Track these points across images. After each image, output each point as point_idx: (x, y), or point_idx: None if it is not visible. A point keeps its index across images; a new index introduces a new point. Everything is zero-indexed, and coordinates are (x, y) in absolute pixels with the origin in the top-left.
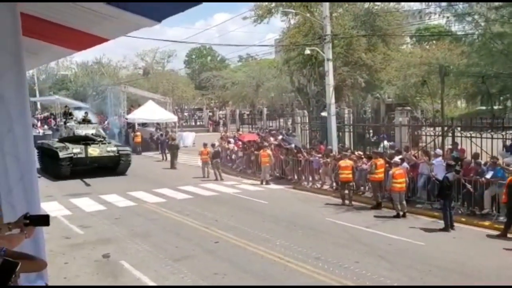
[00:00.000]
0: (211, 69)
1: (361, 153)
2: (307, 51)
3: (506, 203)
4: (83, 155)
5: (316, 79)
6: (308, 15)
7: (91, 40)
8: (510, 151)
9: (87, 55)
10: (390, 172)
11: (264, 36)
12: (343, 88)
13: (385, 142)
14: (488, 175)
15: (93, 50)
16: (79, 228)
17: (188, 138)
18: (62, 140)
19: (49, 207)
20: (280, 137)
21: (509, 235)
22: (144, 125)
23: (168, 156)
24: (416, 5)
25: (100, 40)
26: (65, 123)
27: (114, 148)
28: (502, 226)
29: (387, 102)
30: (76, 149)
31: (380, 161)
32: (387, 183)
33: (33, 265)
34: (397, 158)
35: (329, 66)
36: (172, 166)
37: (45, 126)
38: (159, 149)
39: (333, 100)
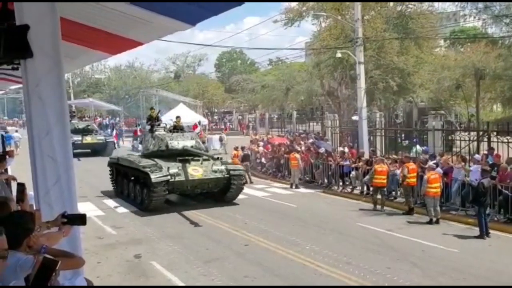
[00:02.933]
0: (241, 72)
1: (396, 156)
2: (338, 54)
3: None
4: (182, 178)
5: (347, 83)
6: (339, 18)
7: (127, 44)
8: None
9: (120, 59)
10: (425, 176)
11: (294, 39)
12: (374, 92)
13: (418, 147)
14: None
15: (126, 54)
16: (112, 228)
17: (217, 141)
18: (149, 155)
19: (83, 208)
20: (310, 140)
21: None
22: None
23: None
24: (451, 7)
25: (135, 44)
26: (152, 130)
27: (222, 167)
28: None
29: (419, 106)
30: (173, 169)
31: (412, 166)
32: (421, 188)
33: (72, 262)
34: (431, 163)
35: (360, 69)
36: None
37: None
38: None
39: (364, 104)
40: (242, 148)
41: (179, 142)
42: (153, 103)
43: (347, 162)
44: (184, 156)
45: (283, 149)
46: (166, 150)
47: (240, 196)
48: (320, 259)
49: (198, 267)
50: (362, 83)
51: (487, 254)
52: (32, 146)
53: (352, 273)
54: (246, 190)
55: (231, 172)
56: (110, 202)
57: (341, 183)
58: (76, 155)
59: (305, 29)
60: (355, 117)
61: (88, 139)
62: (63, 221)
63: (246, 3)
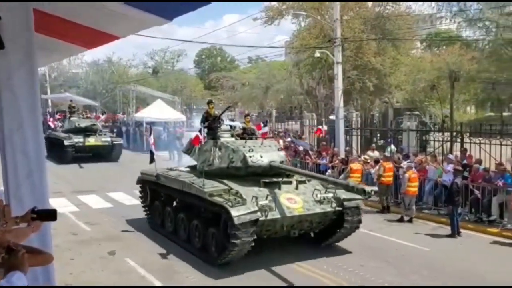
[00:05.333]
0: (221, 69)
1: (371, 153)
2: (317, 54)
3: None
4: (276, 214)
5: (325, 82)
6: (318, 17)
7: (103, 38)
8: None
9: (98, 54)
10: (406, 175)
11: (274, 38)
12: (351, 92)
13: (392, 147)
14: (498, 182)
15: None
16: (86, 224)
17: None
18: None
19: (57, 203)
20: (288, 139)
21: None
22: (152, 124)
23: (177, 155)
24: (427, 9)
25: (111, 38)
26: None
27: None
28: (510, 234)
29: (395, 106)
30: (262, 200)
31: (389, 165)
32: (401, 186)
33: (40, 259)
34: (405, 162)
35: (338, 69)
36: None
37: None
38: (166, 149)
39: (341, 104)
40: None
41: (262, 156)
42: (130, 98)
43: (324, 161)
44: (268, 176)
45: None
46: (244, 167)
47: None
48: (297, 257)
49: (173, 264)
50: (339, 83)
51: (458, 252)
52: (3, 141)
53: (325, 270)
54: None
55: (345, 204)
56: (85, 198)
57: None
58: (77, 159)
59: (285, 28)
60: (332, 117)
61: (91, 140)
62: (33, 217)
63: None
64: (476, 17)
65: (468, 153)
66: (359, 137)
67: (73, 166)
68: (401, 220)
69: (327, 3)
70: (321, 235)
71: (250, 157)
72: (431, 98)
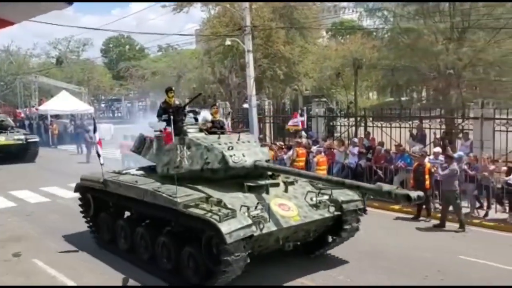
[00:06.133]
0: (130, 58)
1: (282, 143)
2: (228, 42)
3: (413, 187)
4: (272, 226)
5: (238, 71)
6: (228, 5)
7: None
8: (416, 140)
9: None
10: (314, 159)
11: (184, 25)
12: (263, 80)
13: (303, 133)
14: (399, 162)
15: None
16: None
17: (105, 130)
18: (185, 178)
19: None
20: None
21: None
22: (57, 117)
23: (85, 149)
24: None
25: (4, 23)
26: (179, 130)
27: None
28: (410, 210)
29: (304, 94)
30: (254, 210)
31: (302, 150)
32: (311, 170)
33: None
34: (315, 147)
35: (249, 58)
36: (88, 160)
37: None
38: (74, 142)
39: (253, 92)
40: (132, 137)
41: (244, 155)
42: (33, 90)
43: None
44: (250, 178)
45: None
46: (223, 169)
47: None
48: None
49: (86, 261)
50: (251, 71)
51: (364, 229)
52: None
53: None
54: None
55: (344, 207)
56: None
57: None
58: None
59: (195, 15)
60: (245, 105)
61: (1, 139)
62: None
63: None
64: (375, 7)
65: (371, 136)
66: (271, 124)
67: None
68: None
69: None
70: (312, 244)
71: (231, 156)
72: (337, 86)
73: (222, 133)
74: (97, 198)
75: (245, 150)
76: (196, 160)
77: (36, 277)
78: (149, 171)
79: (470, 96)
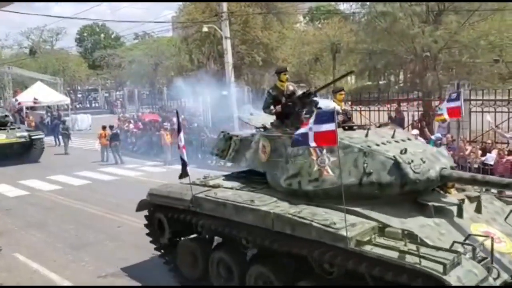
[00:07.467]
0: (105, 47)
1: None
2: (205, 29)
3: None
4: (504, 275)
5: (216, 58)
6: None
7: None
8: (394, 122)
9: None
10: None
11: (160, 12)
12: (242, 67)
13: None
14: None
15: None
16: None
17: (83, 121)
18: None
19: None
20: (182, 116)
21: None
22: (32, 108)
23: (61, 140)
24: None
25: None
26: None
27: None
28: None
29: None
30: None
31: None
32: None
33: None
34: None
35: (227, 44)
36: (66, 151)
37: None
38: (51, 134)
39: (232, 79)
40: (111, 127)
41: (424, 161)
42: (6, 82)
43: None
44: (422, 194)
45: (154, 126)
46: (400, 185)
47: (111, 177)
48: None
49: (67, 254)
50: (229, 58)
51: None
52: None
53: None
54: (116, 170)
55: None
56: None
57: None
58: None
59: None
60: (224, 92)
61: (3, 137)
62: None
63: None
64: None
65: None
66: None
67: None
68: None
69: None
70: None
71: (409, 163)
72: (315, 70)
73: (364, 128)
74: (176, 219)
75: (420, 154)
76: (348, 170)
77: (19, 271)
78: (245, 180)
79: (446, 78)
